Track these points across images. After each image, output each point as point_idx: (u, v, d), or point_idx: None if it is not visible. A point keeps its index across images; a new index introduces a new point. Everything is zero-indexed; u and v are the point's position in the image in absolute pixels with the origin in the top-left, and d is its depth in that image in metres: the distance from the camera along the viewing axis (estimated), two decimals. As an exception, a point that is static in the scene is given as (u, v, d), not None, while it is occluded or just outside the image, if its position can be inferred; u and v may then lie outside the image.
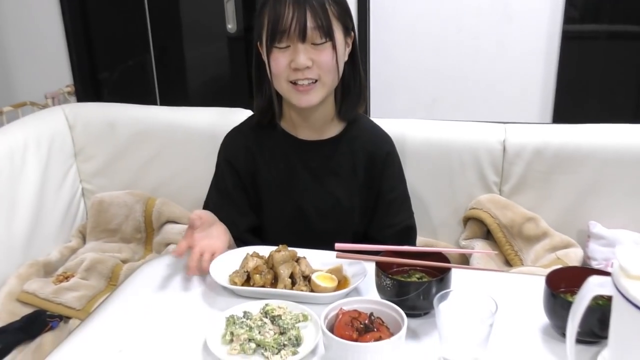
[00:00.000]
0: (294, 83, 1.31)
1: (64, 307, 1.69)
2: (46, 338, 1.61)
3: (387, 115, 2.80)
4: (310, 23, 1.26)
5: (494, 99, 2.72)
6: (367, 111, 2.85)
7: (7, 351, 1.56)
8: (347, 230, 1.44)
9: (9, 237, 1.83)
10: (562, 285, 1.02)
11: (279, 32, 1.27)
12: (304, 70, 1.29)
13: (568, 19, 2.56)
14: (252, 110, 2.03)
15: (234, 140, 1.49)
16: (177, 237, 1.92)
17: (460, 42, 2.67)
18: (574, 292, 1.02)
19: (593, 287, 0.71)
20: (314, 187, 1.43)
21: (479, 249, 1.70)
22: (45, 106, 3.06)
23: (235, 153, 1.46)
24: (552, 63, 2.62)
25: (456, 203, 1.82)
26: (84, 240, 2.05)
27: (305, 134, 1.44)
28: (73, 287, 1.76)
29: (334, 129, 1.45)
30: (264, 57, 1.35)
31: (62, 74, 3.17)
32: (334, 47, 1.29)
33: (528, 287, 1.09)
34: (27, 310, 1.69)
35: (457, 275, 1.08)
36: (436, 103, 2.78)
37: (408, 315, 1.05)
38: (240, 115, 1.99)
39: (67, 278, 1.81)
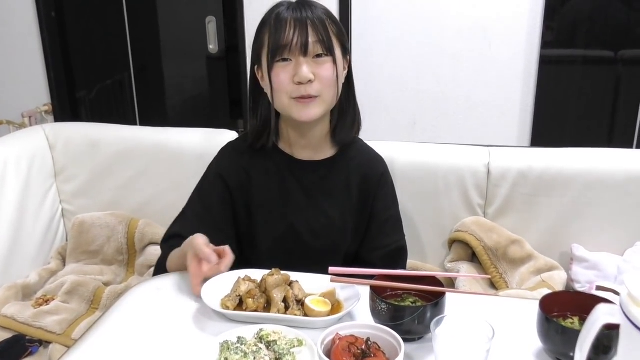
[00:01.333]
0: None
1: (44, 332, 1.65)
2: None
3: (369, 136, 2.83)
4: (311, 37, 1.29)
5: (474, 121, 2.75)
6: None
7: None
8: (339, 250, 1.45)
9: (-13, 259, 1.79)
10: (555, 309, 1.03)
11: (281, 47, 1.29)
12: (306, 85, 1.30)
13: (545, 43, 2.62)
14: (237, 132, 2.06)
15: (228, 156, 1.49)
16: (160, 259, 1.89)
17: (441, 65, 2.71)
18: (566, 317, 1.04)
19: (602, 315, 0.71)
20: (307, 206, 1.43)
21: (465, 272, 1.70)
22: (22, 125, 3.02)
23: (228, 169, 1.46)
24: (530, 86, 2.68)
25: (441, 225, 1.83)
26: (63, 262, 2.01)
27: (302, 154, 1.45)
28: (53, 310, 1.72)
29: (330, 150, 1.46)
30: (264, 79, 1.36)
31: (39, 93, 3.13)
32: (334, 62, 1.32)
33: (521, 311, 1.10)
34: (6, 335, 1.65)
35: (450, 299, 1.08)
36: (417, 125, 2.81)
37: (403, 340, 1.06)
38: (225, 136, 1.99)
39: (47, 301, 1.78)
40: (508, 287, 1.68)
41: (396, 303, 1.08)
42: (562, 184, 1.73)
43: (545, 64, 2.65)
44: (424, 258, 1.85)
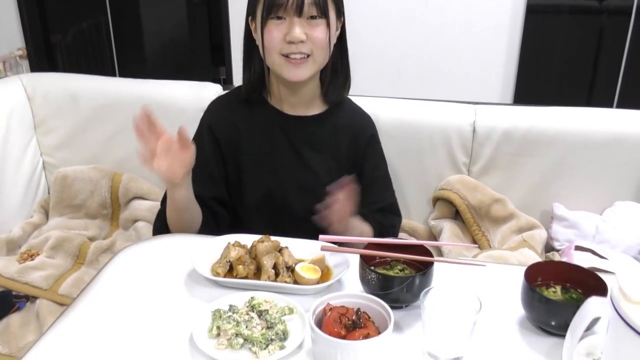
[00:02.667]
0: (287, 56, 1.33)
1: (31, 287, 1.66)
2: (13, 319, 1.59)
3: (352, 87, 2.81)
4: None
5: (458, 73, 2.75)
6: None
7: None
8: None
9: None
10: (539, 278, 1.06)
11: (276, 5, 1.29)
12: (297, 44, 1.31)
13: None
14: (220, 83, 2.03)
15: (219, 109, 1.50)
16: (146, 213, 1.89)
17: (426, 16, 2.68)
18: (549, 286, 1.07)
19: (593, 309, 0.73)
20: (295, 162, 1.44)
21: (448, 230, 1.73)
22: (-4, 70, 2.94)
23: (219, 122, 1.46)
24: (515, 37, 2.66)
25: (426, 183, 1.84)
26: (46, 215, 2.00)
27: (291, 109, 1.46)
28: (39, 266, 1.72)
29: (319, 107, 1.48)
30: (257, 31, 1.37)
31: (12, 37, 3.04)
32: (328, 24, 1.33)
33: (507, 279, 1.12)
34: (-8, 290, 1.66)
35: (438, 268, 1.10)
36: (401, 75, 2.79)
37: (391, 308, 1.08)
38: (209, 89, 1.97)
39: (32, 256, 1.77)
40: (490, 244, 1.72)
41: (385, 272, 1.10)
42: (545, 144, 1.75)
43: (532, 13, 2.63)
44: (407, 214, 1.87)
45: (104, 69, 3.27)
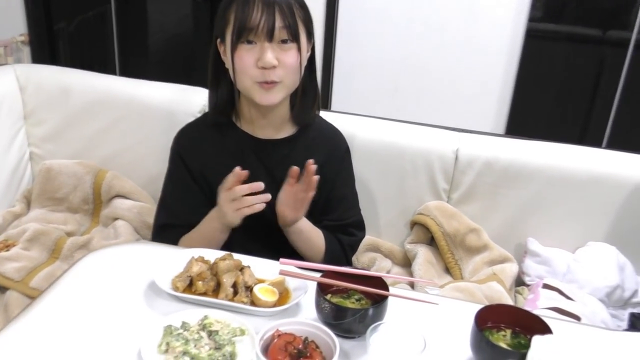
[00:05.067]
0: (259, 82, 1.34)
1: (2, 278, 1.67)
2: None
3: (348, 100, 2.83)
4: (278, 22, 1.29)
5: (454, 94, 2.75)
6: (328, 96, 2.85)
7: None
8: None
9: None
10: (490, 321, 1.07)
11: (247, 29, 1.29)
12: (269, 71, 1.31)
13: (533, 17, 2.60)
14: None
15: (187, 137, 1.50)
16: (126, 212, 1.90)
17: (426, 35, 2.68)
18: (500, 329, 1.08)
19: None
20: (270, 184, 1.43)
21: (422, 255, 1.74)
22: (-3, 54, 2.96)
23: (188, 150, 1.47)
24: (513, 62, 2.67)
25: (405, 205, 1.85)
26: (28, 205, 2.01)
27: (262, 132, 1.46)
28: (13, 257, 1.73)
29: (290, 129, 1.49)
30: (227, 55, 1.36)
31: (16, 22, 3.05)
32: (299, 49, 1.32)
33: (461, 317, 1.13)
34: (-37, 279, 1.67)
35: (393, 301, 1.11)
36: (398, 92, 2.80)
37: (343, 337, 1.09)
38: (199, 94, 1.97)
39: (7, 247, 1.79)
40: (462, 274, 1.72)
41: (341, 301, 1.11)
42: (526, 177, 1.75)
43: (531, 38, 2.63)
44: (383, 235, 1.88)
45: (105, 60, 3.29)
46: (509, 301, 1.56)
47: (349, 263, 1.51)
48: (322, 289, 1.12)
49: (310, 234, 1.44)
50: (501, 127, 2.77)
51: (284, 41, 1.31)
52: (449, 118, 2.72)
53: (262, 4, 1.28)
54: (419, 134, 1.84)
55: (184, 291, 1.17)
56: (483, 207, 1.80)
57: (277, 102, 1.37)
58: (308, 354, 0.99)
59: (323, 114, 1.59)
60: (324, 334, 1.02)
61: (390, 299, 1.11)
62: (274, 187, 1.43)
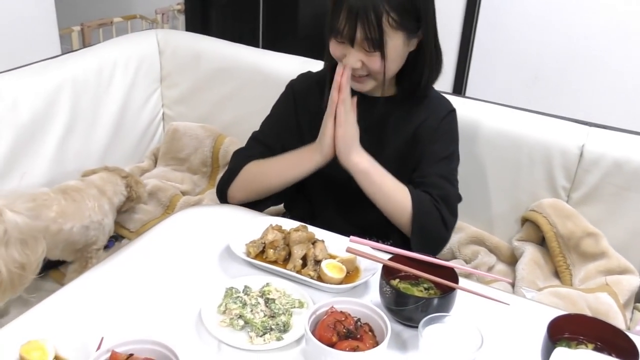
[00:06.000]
0: None
1: (120, 227, 1.80)
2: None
3: (484, 87, 2.68)
4: (359, 34, 1.26)
5: (602, 85, 2.51)
6: (463, 81, 2.73)
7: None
8: None
9: (87, 149, 1.93)
10: (568, 332, 0.96)
11: (334, 30, 1.29)
12: (354, 68, 1.30)
13: None
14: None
15: (306, 79, 1.53)
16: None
17: (575, 20, 2.46)
18: (580, 342, 0.97)
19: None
20: (366, 140, 1.37)
21: (529, 254, 1.62)
22: (154, 21, 3.17)
23: (303, 90, 1.50)
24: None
25: (518, 200, 1.72)
26: (155, 162, 2.15)
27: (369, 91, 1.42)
28: (131, 209, 1.86)
29: (394, 88, 1.44)
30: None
31: (175, -8, 3.25)
32: (383, 57, 1.28)
33: (533, 323, 1.03)
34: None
35: (465, 296, 1.04)
36: (538, 81, 2.61)
37: (405, 326, 1.04)
38: (321, 67, 1.97)
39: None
40: (572, 280, 1.57)
41: (406, 288, 1.06)
42: (661, 183, 1.56)
43: None
44: (492, 229, 1.77)
45: (253, 33, 3.39)
46: (617, 316, 1.40)
47: (445, 223, 1.34)
48: (390, 273, 1.07)
49: (382, 179, 1.33)
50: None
51: (366, 48, 1.27)
52: (593, 114, 2.50)
53: (348, 12, 1.24)
54: (541, 124, 1.69)
55: (255, 257, 1.18)
56: (607, 210, 1.63)
57: (367, 90, 1.36)
58: (359, 336, 0.95)
59: (454, 98, 1.52)
60: (379, 318, 0.98)
61: (461, 293, 1.04)
62: (373, 142, 1.39)
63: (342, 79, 1.27)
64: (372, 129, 1.41)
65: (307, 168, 1.36)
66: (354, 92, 1.34)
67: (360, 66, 1.29)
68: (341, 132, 1.30)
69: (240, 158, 1.47)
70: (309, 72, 1.57)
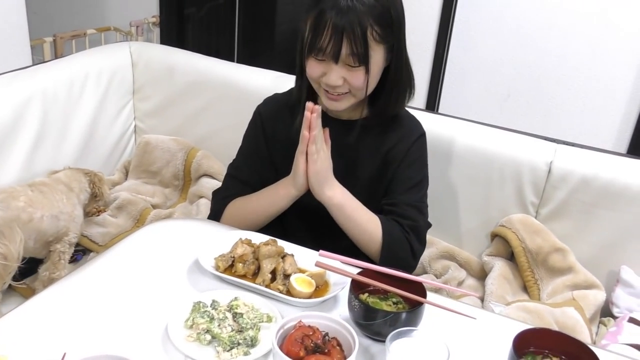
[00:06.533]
0: (325, 90, 1.33)
1: (88, 241, 1.78)
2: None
3: (457, 104, 2.71)
4: (345, 50, 1.25)
5: (574, 103, 2.56)
6: (437, 98, 2.76)
7: (31, 272, 1.65)
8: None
9: (56, 161, 1.90)
10: (533, 346, 0.97)
11: (316, 48, 1.27)
12: (334, 87, 1.30)
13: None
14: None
15: (273, 103, 1.52)
16: (210, 192, 1.95)
17: (548, 40, 2.51)
18: (545, 355, 0.97)
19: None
20: (336, 164, 1.38)
21: (498, 269, 1.63)
22: (128, 34, 3.16)
23: (270, 116, 1.48)
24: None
25: (487, 215, 1.74)
26: (126, 175, 2.13)
27: (337, 113, 1.42)
28: (101, 222, 1.84)
29: (365, 111, 1.44)
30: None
31: (149, 4, 3.24)
32: (367, 71, 1.28)
33: (500, 338, 1.03)
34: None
35: (432, 311, 1.04)
36: (510, 98, 2.65)
37: (374, 340, 1.04)
38: (292, 83, 1.97)
39: (99, 212, 1.90)
40: (539, 295, 1.59)
41: (374, 302, 1.06)
42: (627, 199, 1.58)
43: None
44: (462, 244, 1.78)
45: (229, 47, 3.39)
46: (584, 331, 1.42)
47: (414, 253, 1.37)
48: (359, 287, 1.07)
49: (355, 212, 1.35)
50: (623, 145, 2.54)
51: (351, 64, 1.27)
52: (564, 131, 2.54)
53: (332, 28, 1.23)
54: (511, 141, 1.72)
55: (224, 271, 1.17)
56: (574, 226, 1.65)
57: (344, 109, 1.36)
58: (327, 350, 0.95)
59: (427, 115, 1.52)
60: (347, 333, 0.97)
61: (429, 307, 1.04)
62: (341, 165, 1.40)
63: (312, 116, 1.26)
64: (348, 153, 1.42)
65: (285, 203, 1.38)
66: (326, 123, 1.34)
67: (341, 83, 1.29)
68: (314, 168, 1.31)
69: (220, 199, 1.48)
70: (276, 95, 1.55)
